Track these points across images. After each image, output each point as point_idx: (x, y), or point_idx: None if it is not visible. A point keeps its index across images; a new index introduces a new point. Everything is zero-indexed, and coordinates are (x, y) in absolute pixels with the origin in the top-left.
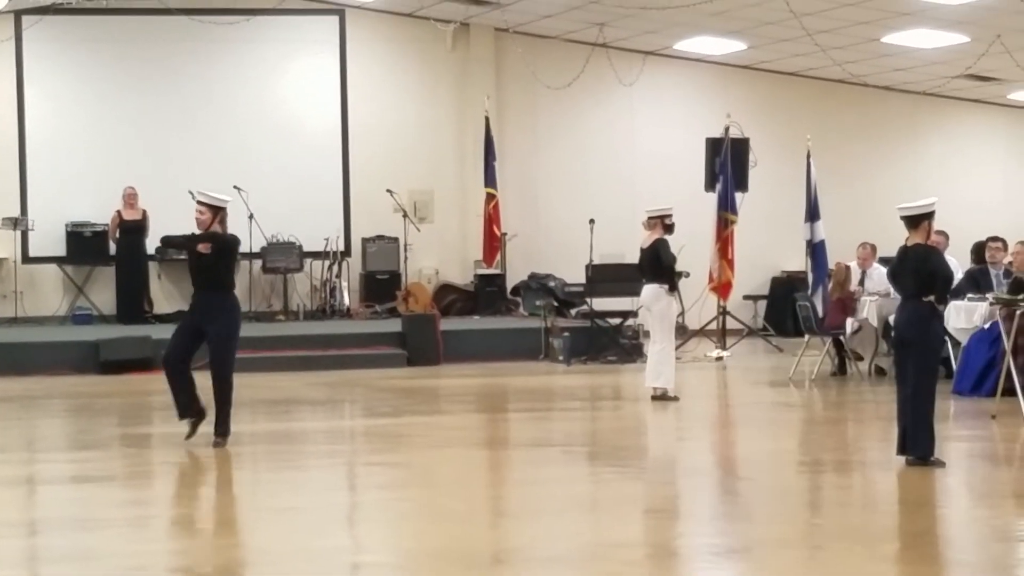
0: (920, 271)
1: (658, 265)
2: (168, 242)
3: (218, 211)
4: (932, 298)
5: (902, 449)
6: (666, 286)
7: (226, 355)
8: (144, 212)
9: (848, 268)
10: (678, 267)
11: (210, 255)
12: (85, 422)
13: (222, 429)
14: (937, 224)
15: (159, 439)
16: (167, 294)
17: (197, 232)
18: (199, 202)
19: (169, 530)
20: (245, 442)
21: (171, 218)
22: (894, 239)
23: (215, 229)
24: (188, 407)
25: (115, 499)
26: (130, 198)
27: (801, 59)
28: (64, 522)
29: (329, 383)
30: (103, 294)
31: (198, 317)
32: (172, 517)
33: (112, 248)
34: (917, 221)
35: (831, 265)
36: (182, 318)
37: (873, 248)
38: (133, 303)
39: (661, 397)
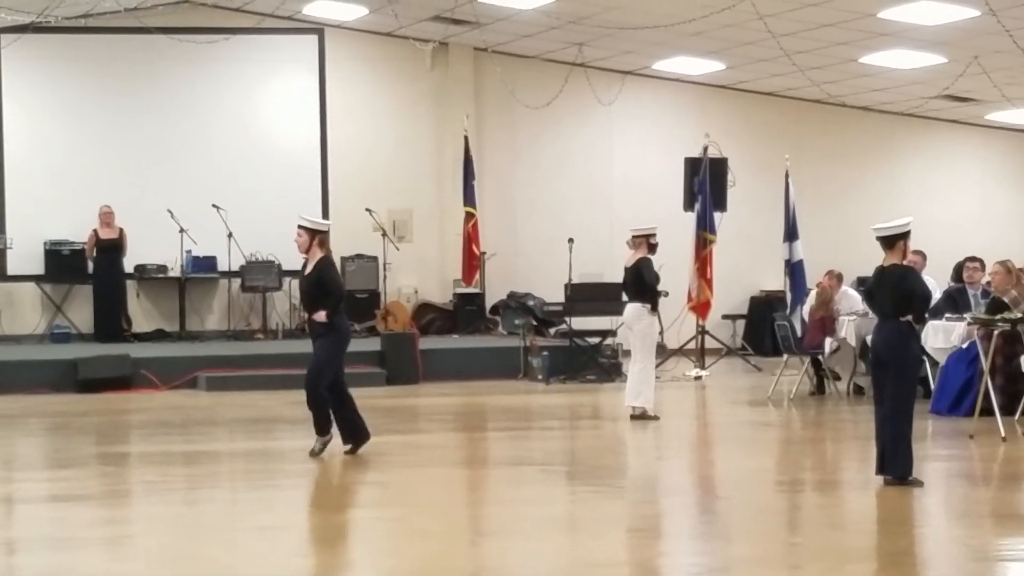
0: (897, 291)
1: (641, 284)
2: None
3: (316, 234)
4: (910, 318)
5: (880, 469)
6: (648, 305)
7: (314, 365)
8: (121, 231)
9: (832, 288)
10: (659, 286)
11: (312, 289)
12: (63, 441)
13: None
14: (915, 244)
15: (137, 458)
16: (145, 312)
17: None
18: (299, 226)
19: (146, 549)
20: (223, 461)
21: (148, 237)
22: (871, 259)
23: (316, 253)
24: (319, 425)
25: (92, 518)
26: (106, 217)
27: (779, 79)
28: (41, 541)
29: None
30: (81, 312)
31: (312, 339)
32: (149, 536)
33: (90, 267)
34: (893, 241)
35: (810, 285)
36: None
37: (839, 276)
38: (111, 321)
39: (640, 416)
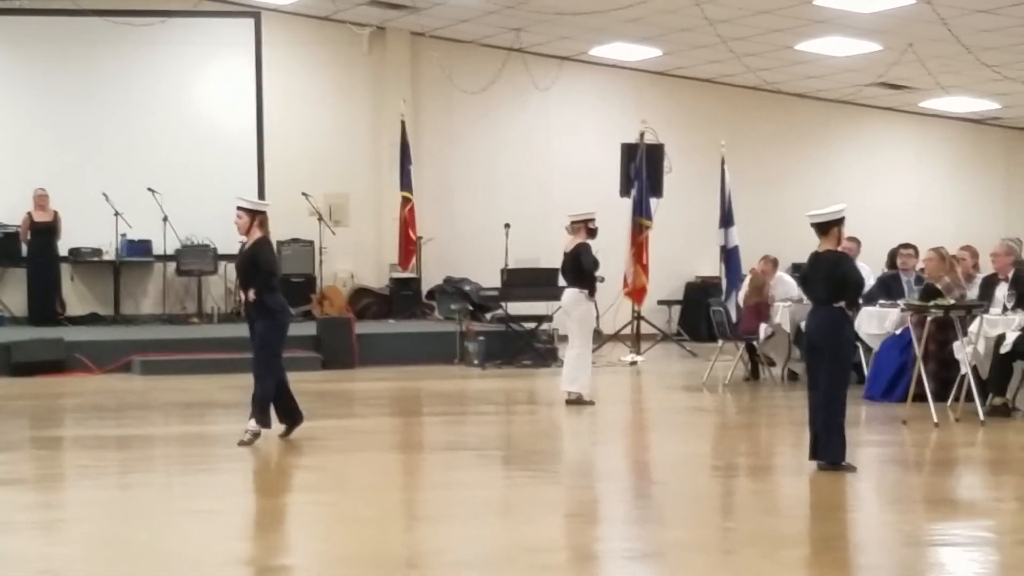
0: (831, 277)
1: (579, 270)
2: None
3: (255, 215)
4: (843, 304)
5: (813, 454)
6: (586, 291)
7: (259, 350)
8: (55, 214)
9: (766, 274)
10: (597, 272)
11: (246, 266)
12: None
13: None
14: (850, 231)
15: (71, 442)
16: (80, 296)
17: (240, 238)
18: (238, 208)
19: (80, 534)
20: (158, 445)
21: (83, 220)
22: (806, 245)
23: (255, 233)
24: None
25: (26, 502)
26: (40, 200)
27: (716, 66)
28: None
29: (243, 386)
30: (15, 296)
31: (249, 323)
32: (83, 520)
33: (24, 250)
34: (827, 228)
35: (745, 271)
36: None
37: (775, 262)
38: (45, 305)
39: (576, 402)
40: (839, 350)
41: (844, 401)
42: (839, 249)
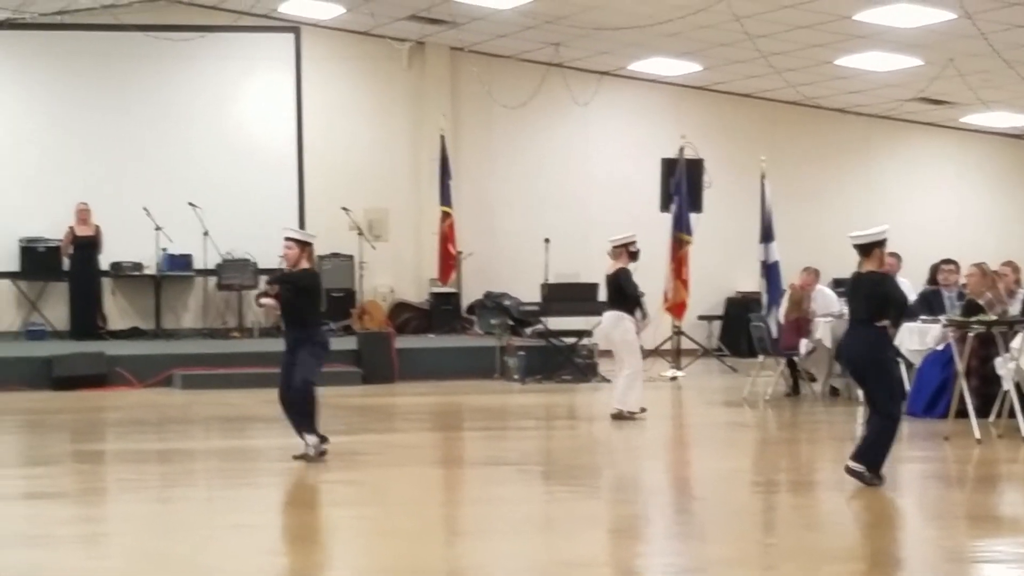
0: (872, 297)
1: (620, 293)
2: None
3: (305, 246)
4: (884, 323)
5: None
6: (629, 313)
7: (305, 372)
8: (97, 228)
9: (804, 289)
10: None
11: (289, 295)
12: (37, 438)
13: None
14: (891, 246)
15: (112, 456)
16: (121, 310)
17: (284, 269)
18: (286, 238)
19: (120, 547)
20: (199, 459)
21: (124, 234)
22: (846, 260)
23: (303, 265)
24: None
25: (67, 516)
26: (83, 214)
27: (755, 80)
28: (15, 538)
29: None
30: (56, 310)
31: (289, 353)
32: (124, 534)
33: (66, 264)
34: (869, 249)
35: (785, 286)
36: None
37: (816, 273)
38: (86, 319)
39: (619, 416)
40: (879, 368)
41: (897, 418)
42: (882, 269)
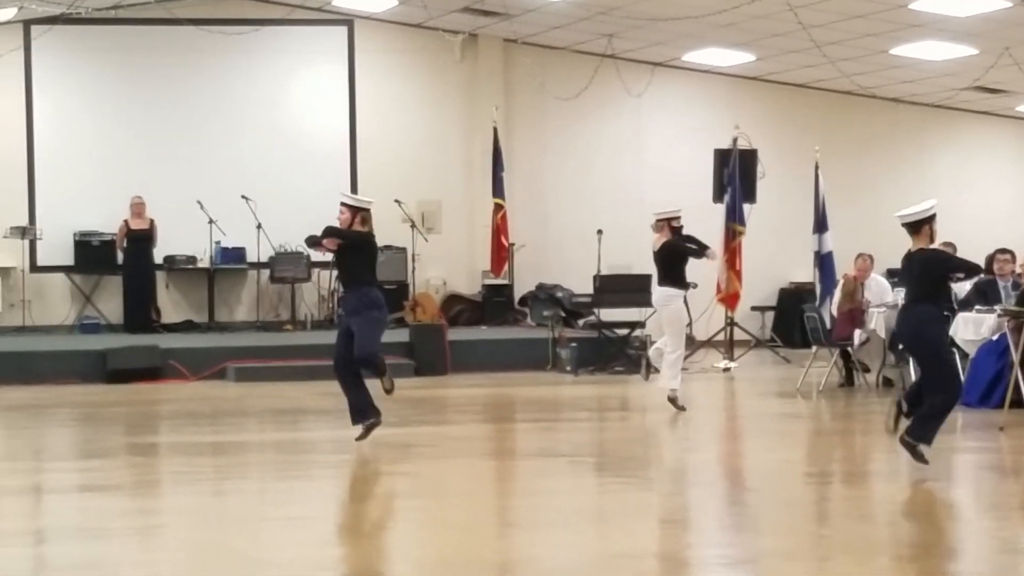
0: (925, 275)
1: (670, 266)
2: (309, 240)
3: (358, 211)
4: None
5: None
6: (675, 290)
7: (368, 347)
8: (151, 222)
9: (856, 279)
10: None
11: (346, 256)
12: (92, 431)
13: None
14: (946, 235)
15: (166, 448)
16: (175, 303)
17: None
18: (341, 203)
19: (175, 540)
20: (253, 451)
21: (178, 228)
22: (901, 250)
23: (357, 229)
24: (359, 411)
25: (122, 508)
26: (137, 207)
27: (809, 71)
28: (71, 531)
29: (336, 393)
30: (111, 303)
31: (345, 316)
32: (178, 527)
33: (120, 257)
34: (918, 226)
35: (839, 276)
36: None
37: (871, 259)
38: (140, 312)
39: (674, 400)
40: (934, 347)
41: (956, 395)
42: (934, 247)
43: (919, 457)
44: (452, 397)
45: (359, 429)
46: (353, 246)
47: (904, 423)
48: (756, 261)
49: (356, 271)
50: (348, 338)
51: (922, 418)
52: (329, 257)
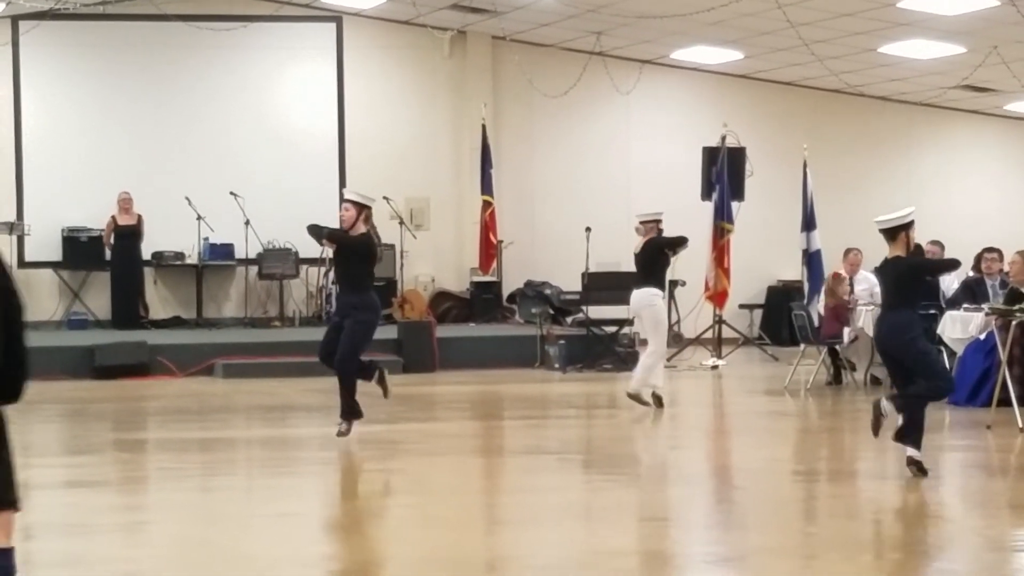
0: (901, 283)
1: (653, 264)
2: (313, 229)
3: (363, 208)
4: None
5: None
6: (656, 290)
7: (348, 347)
8: (139, 217)
9: (838, 275)
10: (674, 276)
11: (344, 257)
12: (79, 427)
13: (343, 412)
14: (933, 234)
15: (153, 444)
16: (162, 299)
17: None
18: (346, 199)
19: (162, 536)
20: (240, 448)
21: (166, 224)
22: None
23: (359, 228)
24: (345, 407)
25: (109, 504)
26: (125, 203)
27: (798, 69)
28: (57, 527)
29: (324, 390)
30: (99, 299)
31: (339, 316)
32: (165, 523)
33: (108, 253)
34: (895, 233)
35: (827, 274)
36: (331, 317)
37: (861, 254)
38: (128, 308)
39: (635, 397)
40: (915, 350)
41: (950, 381)
42: (909, 253)
43: (925, 472)
44: (440, 394)
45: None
46: (354, 252)
47: (888, 425)
48: (744, 259)
49: (353, 274)
50: (337, 333)
51: (912, 422)
52: (322, 253)
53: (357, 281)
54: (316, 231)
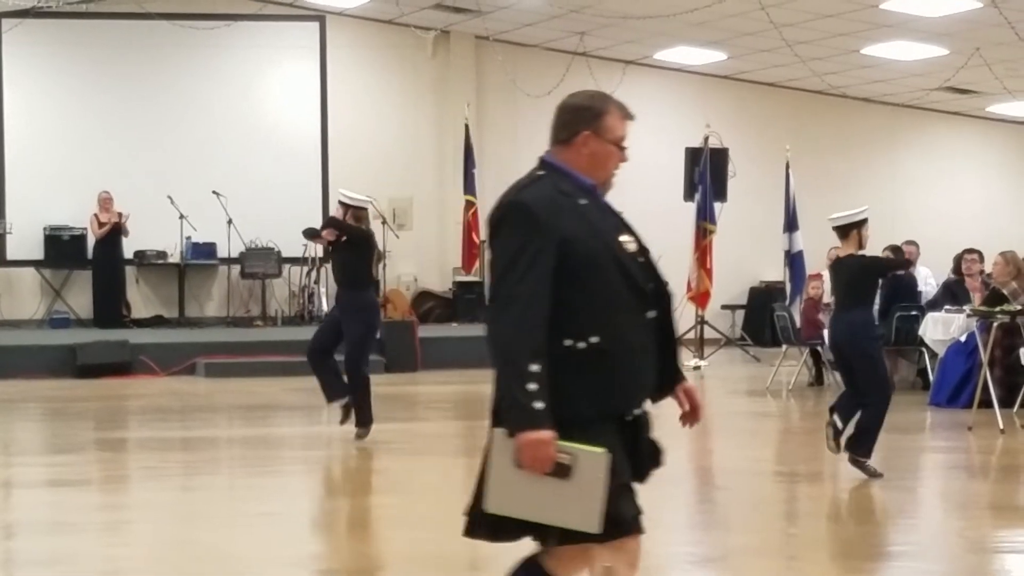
0: (852, 282)
1: None
2: (308, 231)
3: (350, 209)
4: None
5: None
6: None
7: (356, 354)
8: (120, 215)
9: (818, 276)
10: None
11: (342, 252)
12: (61, 426)
13: (360, 419)
14: (914, 234)
15: (135, 443)
16: (145, 298)
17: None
18: (339, 202)
19: (143, 535)
20: (222, 447)
21: (148, 223)
22: (872, 250)
23: None
24: (334, 389)
25: (90, 503)
26: (105, 203)
27: (781, 70)
28: (39, 526)
29: (307, 389)
30: (80, 298)
31: (338, 313)
32: (147, 522)
33: (90, 252)
34: (847, 231)
35: (809, 275)
36: (328, 313)
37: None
38: (111, 307)
39: None
40: (868, 354)
41: (888, 400)
42: (863, 252)
43: (872, 473)
44: (422, 394)
45: (338, 413)
46: (351, 241)
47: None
48: (727, 260)
49: (352, 270)
50: (331, 332)
51: (860, 432)
52: (314, 252)
53: (355, 277)
54: (312, 231)
